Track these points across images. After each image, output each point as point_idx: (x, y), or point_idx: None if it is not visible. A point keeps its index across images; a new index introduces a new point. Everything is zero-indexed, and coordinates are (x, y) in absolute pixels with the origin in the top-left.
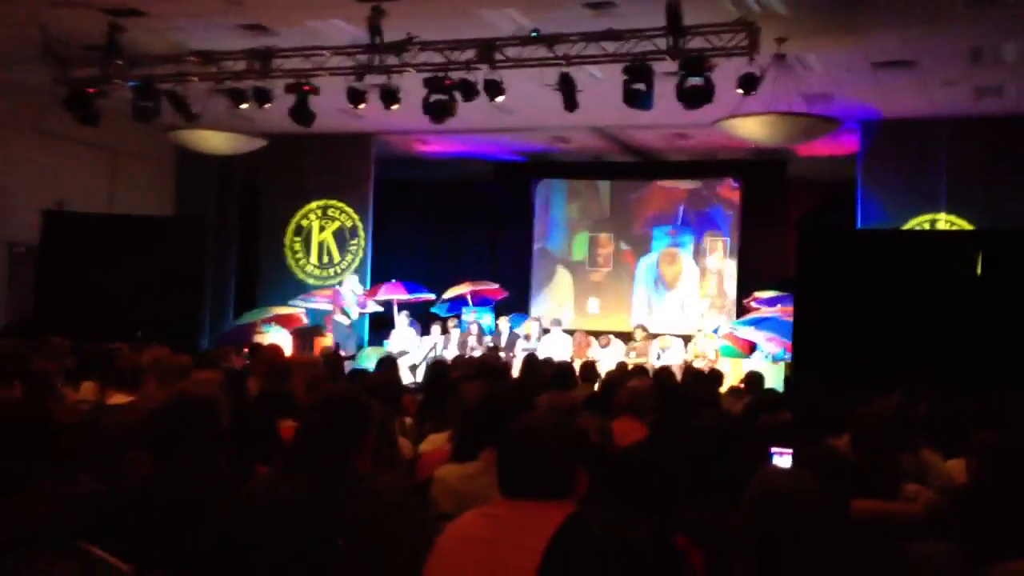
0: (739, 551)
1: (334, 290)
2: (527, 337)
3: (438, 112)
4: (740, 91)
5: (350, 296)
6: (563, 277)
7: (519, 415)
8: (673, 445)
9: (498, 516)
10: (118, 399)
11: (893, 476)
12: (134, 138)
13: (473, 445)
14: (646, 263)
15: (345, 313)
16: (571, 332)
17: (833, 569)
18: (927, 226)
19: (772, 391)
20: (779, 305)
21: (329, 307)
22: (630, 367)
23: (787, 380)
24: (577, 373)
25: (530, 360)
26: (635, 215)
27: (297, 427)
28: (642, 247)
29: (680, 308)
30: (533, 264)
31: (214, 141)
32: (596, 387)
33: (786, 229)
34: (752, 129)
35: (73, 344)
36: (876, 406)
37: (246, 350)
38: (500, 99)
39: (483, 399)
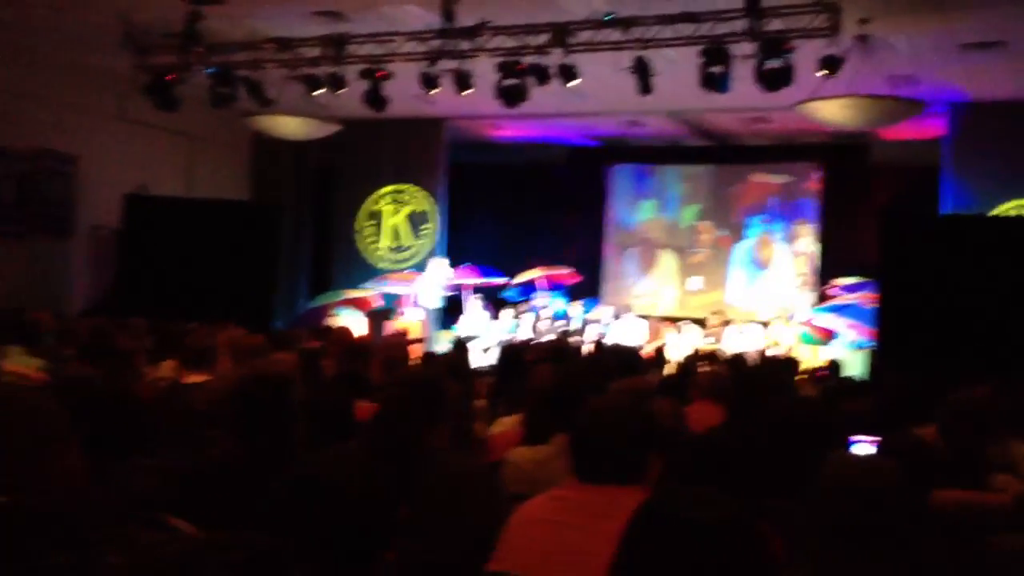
0: (813, 539)
1: (416, 274)
2: (599, 322)
3: (511, 97)
4: (821, 73)
5: (437, 279)
6: (668, 259)
7: (592, 399)
8: (750, 431)
9: (569, 499)
10: (194, 378)
11: (982, 467)
12: (212, 124)
13: (544, 428)
14: (743, 247)
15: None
16: (645, 317)
17: (913, 559)
18: (1015, 212)
19: (850, 379)
20: (860, 292)
21: (401, 290)
22: (704, 353)
23: (872, 368)
24: (647, 358)
25: (599, 345)
26: (731, 206)
27: (375, 405)
28: (738, 233)
29: (773, 286)
30: (604, 248)
31: (289, 126)
32: (667, 372)
33: (868, 215)
34: (833, 112)
35: (152, 324)
36: (965, 395)
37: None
38: (574, 83)
39: (554, 383)
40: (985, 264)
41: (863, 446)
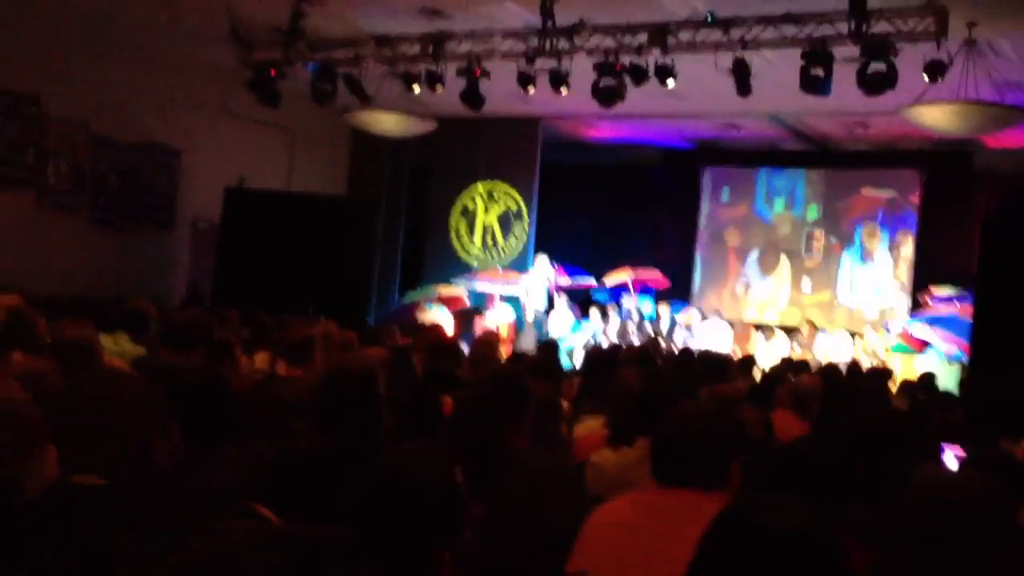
0: (897, 550)
1: (507, 272)
2: (687, 326)
3: (607, 97)
4: (926, 78)
5: (541, 278)
6: (784, 262)
7: (678, 403)
8: (838, 441)
9: (649, 503)
10: (288, 370)
11: None
12: (311, 119)
13: (629, 431)
14: (851, 252)
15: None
16: (731, 323)
17: (993, 572)
18: None
19: (945, 392)
20: (958, 303)
21: (491, 288)
22: (796, 362)
23: (962, 381)
24: (736, 364)
25: (687, 350)
26: (842, 216)
27: (457, 400)
28: (847, 240)
29: (876, 283)
30: (697, 251)
31: (387, 123)
32: (755, 379)
33: (969, 223)
34: (937, 118)
35: (248, 316)
36: None
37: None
38: (671, 84)
39: (640, 386)
40: None
41: (950, 456)
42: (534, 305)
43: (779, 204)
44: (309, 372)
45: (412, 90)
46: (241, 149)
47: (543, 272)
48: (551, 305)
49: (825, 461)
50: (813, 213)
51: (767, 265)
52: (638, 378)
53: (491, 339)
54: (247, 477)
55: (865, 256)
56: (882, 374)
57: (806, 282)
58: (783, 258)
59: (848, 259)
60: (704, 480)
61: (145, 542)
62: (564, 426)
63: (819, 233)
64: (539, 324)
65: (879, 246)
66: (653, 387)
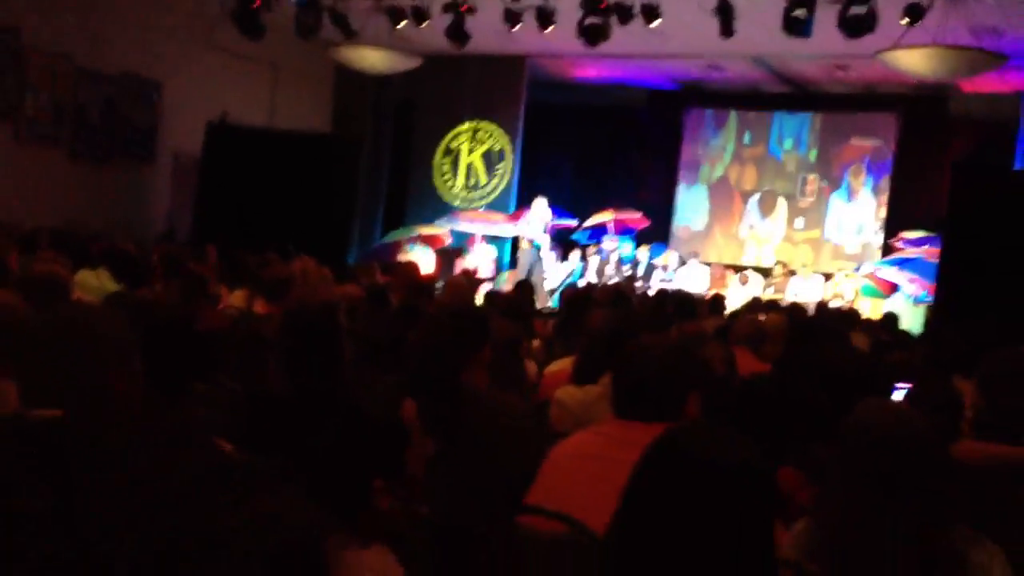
0: (835, 486)
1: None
2: (665, 268)
3: (593, 35)
4: (905, 21)
5: (538, 222)
6: (781, 203)
7: (637, 340)
8: (797, 379)
9: (609, 435)
10: (266, 308)
11: (1016, 422)
12: (295, 54)
13: (593, 369)
14: (838, 195)
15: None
16: (708, 264)
17: (936, 508)
18: None
19: (905, 332)
20: (926, 246)
21: (473, 229)
22: (766, 302)
23: (927, 322)
24: (706, 304)
25: (661, 292)
26: (832, 162)
27: (415, 336)
28: (837, 184)
29: (859, 229)
30: (677, 193)
31: (371, 59)
32: (724, 319)
33: (942, 168)
34: (914, 62)
35: (226, 252)
36: (1007, 351)
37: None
38: (656, 23)
39: (606, 325)
40: None
41: (901, 395)
42: (526, 245)
43: (788, 144)
44: (284, 309)
45: (398, 26)
46: (224, 83)
47: (541, 215)
48: (518, 245)
49: (784, 398)
50: (812, 157)
51: (767, 207)
52: (606, 317)
53: (462, 278)
54: (215, 414)
55: (851, 195)
56: (846, 315)
57: (799, 221)
58: (780, 200)
59: (836, 200)
60: (660, 412)
61: (101, 475)
62: (533, 365)
63: (813, 177)
64: (534, 266)
65: (863, 187)
66: (620, 326)
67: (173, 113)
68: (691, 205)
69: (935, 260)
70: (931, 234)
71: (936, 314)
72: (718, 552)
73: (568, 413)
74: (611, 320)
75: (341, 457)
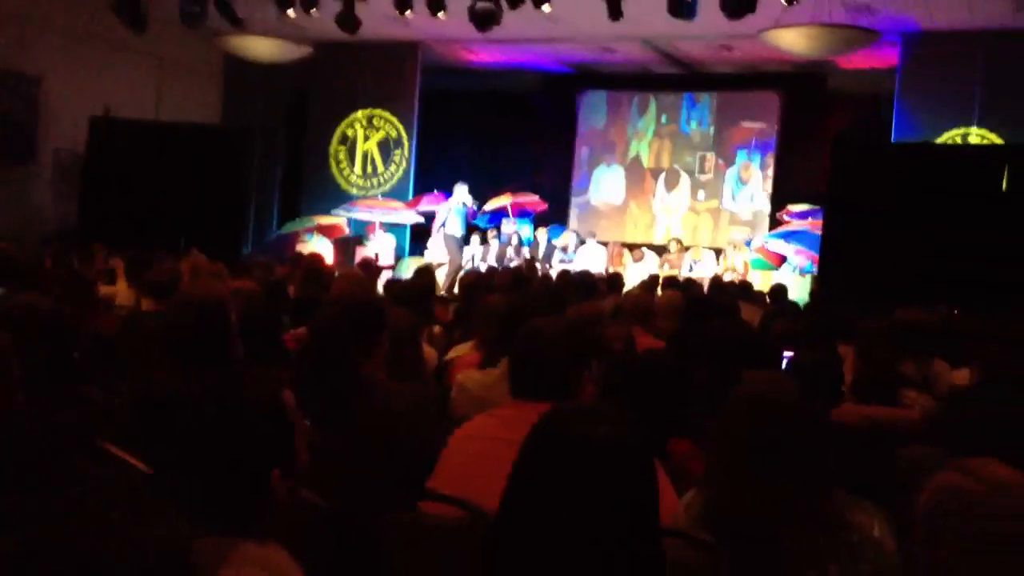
0: (721, 455)
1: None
2: (564, 249)
3: (484, 20)
4: (784, 1)
5: (459, 207)
6: (684, 179)
7: (530, 320)
8: (689, 353)
9: (504, 416)
10: (153, 306)
11: (893, 384)
12: (182, 45)
13: (495, 352)
14: (733, 170)
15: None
16: (605, 244)
17: (817, 471)
18: (959, 140)
19: (792, 302)
20: (810, 218)
21: (371, 217)
22: (667, 279)
23: (811, 292)
24: (604, 283)
25: (561, 273)
26: (727, 142)
27: (308, 328)
28: (731, 161)
29: (751, 198)
30: (573, 175)
31: (261, 48)
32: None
33: (824, 143)
34: (794, 40)
35: (115, 251)
36: (880, 317)
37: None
38: (546, 7)
39: (504, 307)
40: (925, 191)
41: (785, 362)
42: (452, 232)
43: (694, 124)
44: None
45: (286, 13)
46: (107, 77)
47: (461, 199)
48: (419, 231)
49: (675, 373)
50: (711, 136)
51: (671, 183)
52: (501, 300)
53: (357, 268)
54: (100, 417)
55: (742, 172)
56: (739, 288)
57: (701, 193)
58: (683, 176)
59: (730, 174)
60: (554, 392)
61: None
62: (433, 351)
63: (710, 155)
64: (455, 250)
65: (753, 163)
66: (514, 308)
67: (53, 109)
68: (610, 182)
69: (819, 231)
70: (815, 207)
71: (821, 284)
72: (600, 526)
73: (470, 397)
74: (506, 302)
75: (233, 451)
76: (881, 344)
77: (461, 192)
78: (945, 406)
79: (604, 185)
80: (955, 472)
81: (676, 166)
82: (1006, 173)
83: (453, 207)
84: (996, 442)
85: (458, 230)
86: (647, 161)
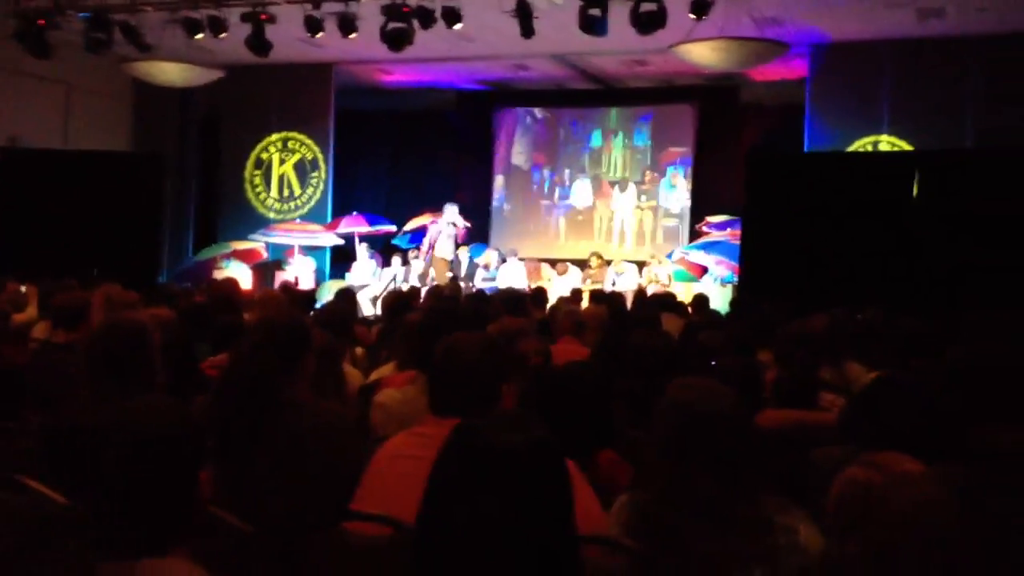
0: (648, 460)
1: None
2: (486, 267)
3: (396, 40)
4: (692, 16)
5: (449, 229)
6: (631, 186)
7: (447, 336)
8: (611, 364)
9: (426, 434)
10: (66, 337)
11: (812, 388)
12: (89, 71)
13: (414, 370)
14: (664, 179)
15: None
16: (523, 260)
17: (743, 475)
18: (870, 148)
19: (714, 312)
20: (729, 229)
21: (290, 241)
22: (593, 293)
23: (731, 301)
24: (528, 298)
25: (481, 291)
26: (660, 160)
27: (231, 352)
28: (663, 174)
29: (678, 199)
30: (493, 193)
31: (170, 73)
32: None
33: (740, 154)
34: (704, 54)
35: (26, 282)
36: (797, 323)
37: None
38: (458, 26)
39: (418, 324)
40: (839, 199)
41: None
42: (442, 254)
43: (641, 140)
44: (84, 337)
45: (195, 37)
46: (13, 105)
47: (450, 219)
48: (340, 254)
49: (597, 385)
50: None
51: (623, 189)
52: (418, 318)
53: (277, 291)
54: (21, 451)
55: (672, 179)
56: (662, 299)
57: (643, 197)
58: (631, 184)
59: (663, 182)
60: (474, 407)
61: None
62: (357, 372)
63: (648, 170)
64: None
65: (679, 175)
66: (430, 325)
67: None
68: (582, 190)
69: (738, 242)
70: (733, 217)
71: (741, 293)
72: (513, 533)
73: (389, 416)
74: (423, 320)
75: (144, 475)
76: (799, 350)
77: (451, 212)
78: (849, 405)
79: (579, 192)
80: (862, 467)
81: (631, 175)
82: (916, 178)
83: (443, 228)
84: (894, 436)
85: (449, 252)
86: (609, 172)
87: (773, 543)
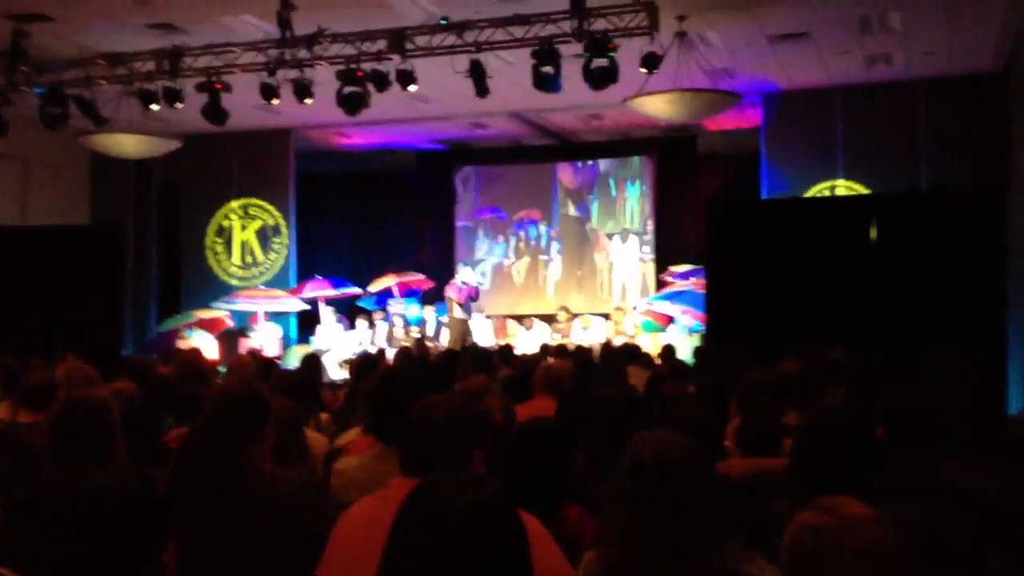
0: (611, 513)
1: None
2: None
3: (352, 104)
4: (643, 70)
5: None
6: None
7: (412, 401)
8: (576, 419)
9: (390, 497)
10: (31, 417)
11: (775, 434)
12: (46, 146)
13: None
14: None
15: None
16: (489, 317)
17: (701, 524)
18: (827, 192)
19: (680, 361)
20: (693, 278)
21: (253, 307)
22: (555, 348)
23: (695, 350)
24: (496, 356)
25: (449, 351)
26: (618, 209)
27: (192, 424)
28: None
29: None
30: (458, 249)
31: (127, 145)
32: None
33: (699, 203)
34: (658, 107)
35: None
36: (758, 371)
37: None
38: (413, 88)
39: (374, 388)
40: (798, 244)
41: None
42: (459, 315)
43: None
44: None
45: (151, 108)
46: None
47: (464, 279)
48: (305, 318)
49: (559, 438)
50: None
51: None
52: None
53: (248, 357)
54: None
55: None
56: (627, 351)
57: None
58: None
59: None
60: (443, 468)
61: None
62: (322, 438)
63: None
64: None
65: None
66: (379, 389)
67: None
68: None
69: (703, 291)
70: (696, 267)
71: (708, 341)
72: None
73: (349, 482)
74: (375, 385)
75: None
76: (760, 396)
77: (465, 273)
78: (791, 452)
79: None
80: (814, 511)
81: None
82: (873, 221)
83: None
84: (826, 475)
85: (459, 312)
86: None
87: None
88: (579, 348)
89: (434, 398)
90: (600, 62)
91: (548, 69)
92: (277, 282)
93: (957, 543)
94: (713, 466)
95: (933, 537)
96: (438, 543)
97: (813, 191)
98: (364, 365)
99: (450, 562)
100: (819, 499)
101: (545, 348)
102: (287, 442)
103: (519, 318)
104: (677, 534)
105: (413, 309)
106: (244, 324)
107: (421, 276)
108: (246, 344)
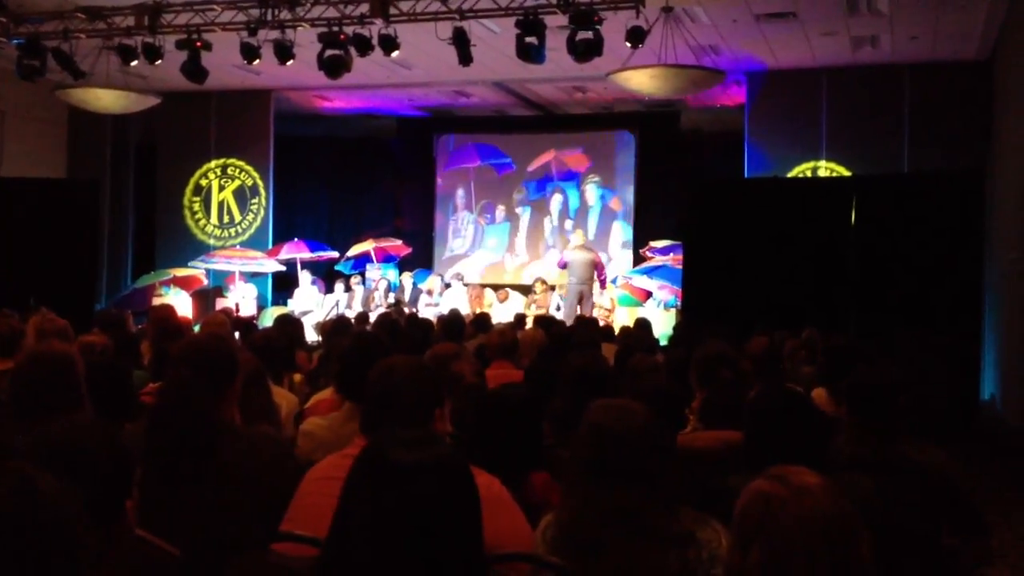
0: (575, 482)
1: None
2: (430, 292)
3: (333, 67)
4: (628, 44)
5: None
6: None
7: (380, 361)
8: (544, 386)
9: (353, 455)
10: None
11: (737, 408)
12: (22, 98)
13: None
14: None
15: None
16: (466, 285)
17: (655, 488)
18: (809, 173)
19: (648, 335)
20: (671, 254)
21: (229, 267)
22: (538, 318)
23: (674, 326)
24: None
25: (414, 316)
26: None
27: (163, 378)
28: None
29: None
30: (437, 217)
31: (105, 100)
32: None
33: (682, 179)
34: (642, 81)
35: None
36: (711, 345)
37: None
38: (396, 54)
39: (342, 351)
40: (778, 223)
41: None
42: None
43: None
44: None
45: (129, 64)
46: None
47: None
48: (282, 280)
49: (527, 404)
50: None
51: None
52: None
53: (221, 314)
54: None
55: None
56: (595, 322)
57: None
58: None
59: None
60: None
61: None
62: (294, 397)
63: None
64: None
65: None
66: (352, 351)
67: None
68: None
69: (680, 266)
70: (676, 242)
71: (683, 317)
72: (420, 551)
73: (315, 443)
74: (348, 347)
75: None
76: (721, 371)
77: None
78: (744, 423)
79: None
80: (766, 479)
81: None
82: (854, 202)
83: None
84: (776, 452)
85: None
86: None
87: (695, 556)
88: (548, 317)
89: (394, 357)
90: (584, 35)
91: (532, 39)
92: (254, 243)
93: (908, 516)
94: (672, 435)
95: (884, 509)
96: (385, 500)
97: (795, 171)
98: (336, 327)
99: (396, 519)
100: (775, 468)
101: (520, 318)
102: (251, 398)
103: (495, 287)
104: (631, 499)
105: (391, 275)
106: (220, 284)
107: (399, 242)
108: (221, 303)
